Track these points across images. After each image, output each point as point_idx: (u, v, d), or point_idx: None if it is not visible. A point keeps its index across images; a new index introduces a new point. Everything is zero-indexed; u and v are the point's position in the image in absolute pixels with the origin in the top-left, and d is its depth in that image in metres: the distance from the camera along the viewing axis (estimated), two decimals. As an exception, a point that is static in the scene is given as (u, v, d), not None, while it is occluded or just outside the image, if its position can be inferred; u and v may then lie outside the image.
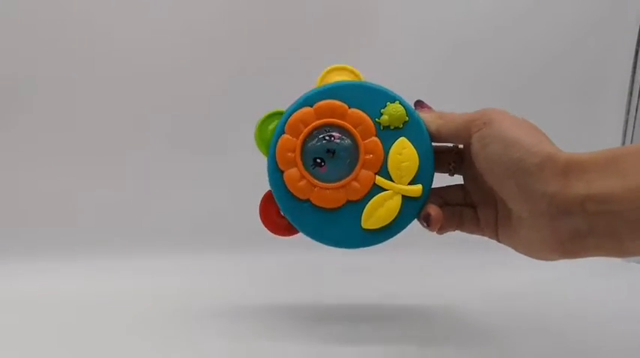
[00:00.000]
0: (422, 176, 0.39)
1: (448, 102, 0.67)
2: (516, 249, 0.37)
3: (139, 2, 0.62)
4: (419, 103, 0.41)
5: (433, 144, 0.39)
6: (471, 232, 0.41)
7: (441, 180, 0.41)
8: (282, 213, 0.40)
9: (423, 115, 0.40)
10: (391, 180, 0.39)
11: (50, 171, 0.63)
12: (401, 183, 0.39)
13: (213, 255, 0.58)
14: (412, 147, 0.39)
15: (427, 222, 0.38)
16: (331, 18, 0.65)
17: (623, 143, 0.74)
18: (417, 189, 0.39)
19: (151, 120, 0.64)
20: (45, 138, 0.62)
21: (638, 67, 0.73)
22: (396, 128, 0.39)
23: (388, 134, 0.39)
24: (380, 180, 0.39)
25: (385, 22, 0.66)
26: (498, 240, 0.39)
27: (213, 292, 0.52)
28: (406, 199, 0.39)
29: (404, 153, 0.39)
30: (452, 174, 0.42)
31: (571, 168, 0.31)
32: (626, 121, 0.73)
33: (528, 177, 0.32)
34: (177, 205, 0.64)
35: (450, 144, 0.42)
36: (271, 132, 0.40)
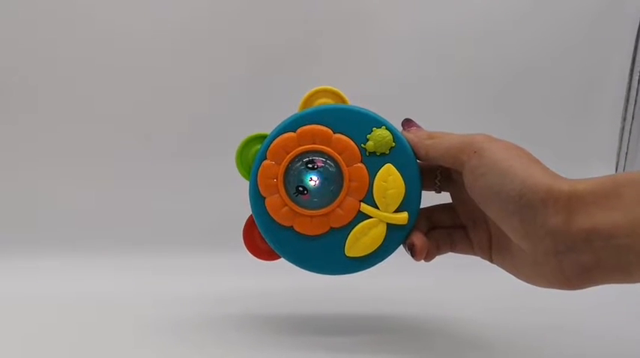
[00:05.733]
0: (408, 203, 0.38)
1: (439, 106, 0.66)
2: (513, 274, 0.36)
3: (142, 5, 0.62)
4: (407, 123, 0.39)
5: (418, 161, 0.38)
6: (464, 253, 0.40)
7: (429, 197, 0.40)
8: (265, 239, 0.39)
9: (410, 136, 0.38)
10: (376, 207, 0.37)
11: (49, 171, 0.63)
12: (387, 211, 0.37)
13: (211, 255, 0.57)
14: (398, 174, 0.37)
15: (412, 251, 0.37)
16: (331, 18, 0.65)
17: (620, 147, 0.73)
18: (402, 218, 0.37)
19: (151, 120, 0.64)
20: (45, 138, 0.63)
21: (635, 69, 0.72)
22: (382, 154, 0.37)
23: (374, 160, 0.37)
24: (365, 207, 0.37)
25: (381, 23, 0.65)
26: (491, 262, 0.38)
27: (210, 296, 0.51)
28: (391, 227, 0.37)
29: (389, 181, 0.37)
30: (438, 192, 0.40)
31: (572, 200, 0.30)
32: (622, 128, 0.72)
33: (532, 214, 0.31)
34: (176, 206, 0.64)
35: None
36: (253, 156, 0.39)
